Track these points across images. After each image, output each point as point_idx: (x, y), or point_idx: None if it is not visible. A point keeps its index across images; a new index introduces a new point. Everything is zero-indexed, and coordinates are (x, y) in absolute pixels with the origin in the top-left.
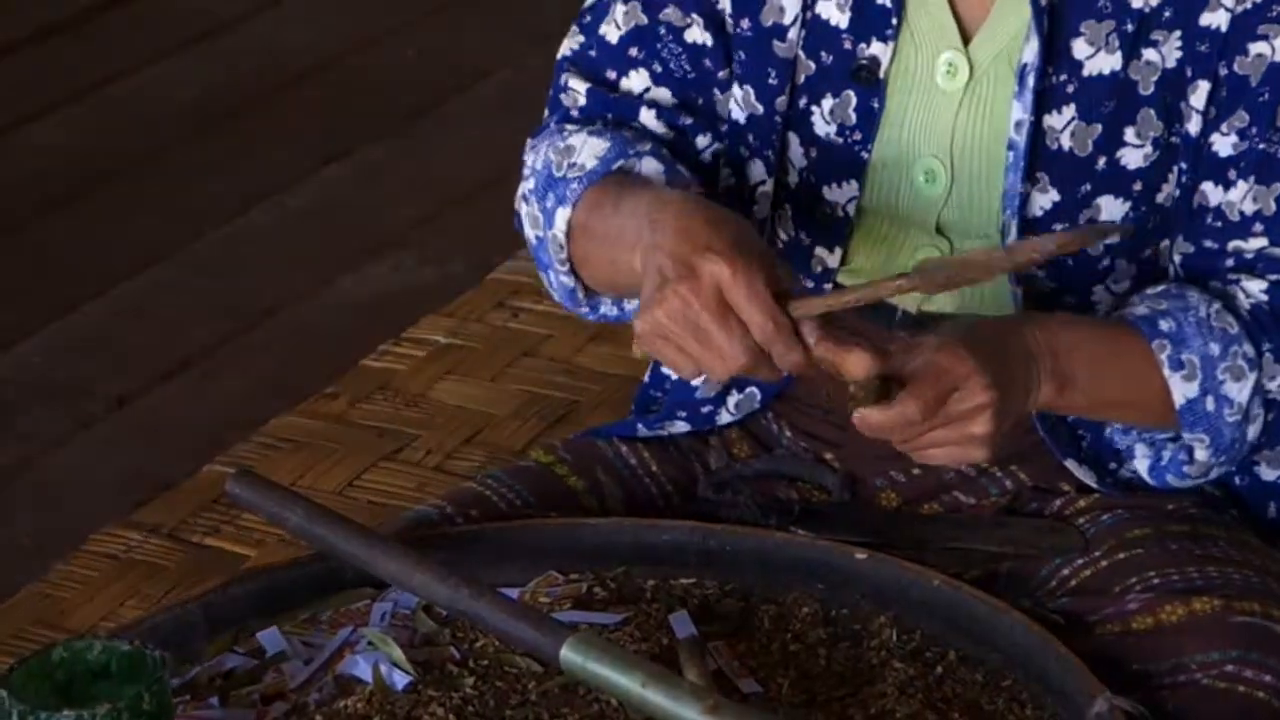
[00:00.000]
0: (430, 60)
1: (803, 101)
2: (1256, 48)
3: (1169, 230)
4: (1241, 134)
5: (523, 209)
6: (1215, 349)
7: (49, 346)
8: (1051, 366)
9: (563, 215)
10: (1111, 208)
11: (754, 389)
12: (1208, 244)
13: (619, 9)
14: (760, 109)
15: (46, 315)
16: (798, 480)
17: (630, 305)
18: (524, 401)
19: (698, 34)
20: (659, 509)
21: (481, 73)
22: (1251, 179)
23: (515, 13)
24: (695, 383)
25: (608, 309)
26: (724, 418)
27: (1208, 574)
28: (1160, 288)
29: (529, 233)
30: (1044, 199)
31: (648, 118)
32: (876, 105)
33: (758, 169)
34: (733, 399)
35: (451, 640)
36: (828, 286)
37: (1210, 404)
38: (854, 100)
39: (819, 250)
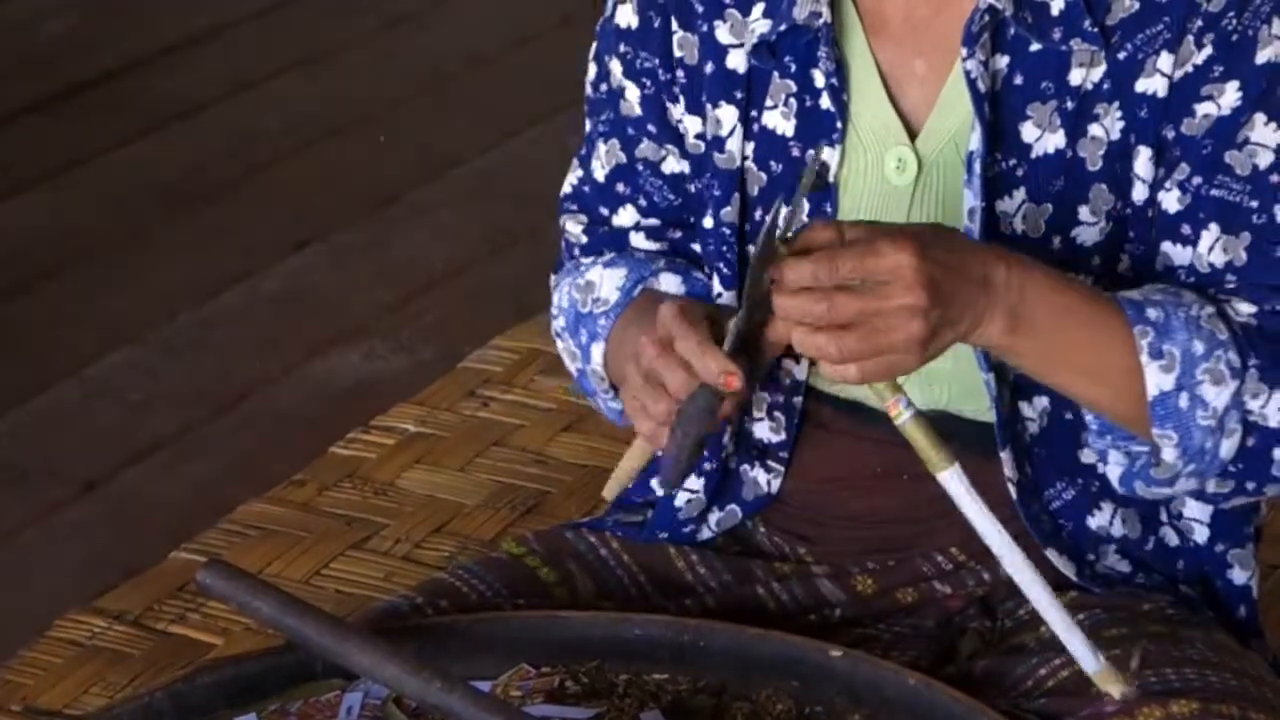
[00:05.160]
0: (401, 147)
1: (757, 213)
2: (1203, 108)
3: None
4: (1182, 186)
5: (558, 344)
6: (1200, 348)
7: (16, 428)
8: (1010, 303)
9: (598, 350)
10: None
11: (735, 507)
12: None
13: (602, 147)
14: (710, 221)
15: (15, 397)
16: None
17: None
18: (494, 491)
19: (674, 164)
20: (631, 599)
21: (452, 160)
22: (1215, 228)
23: (485, 101)
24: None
25: None
26: (705, 534)
27: (1185, 676)
28: (1160, 285)
29: (569, 365)
30: None
31: (637, 240)
32: (829, 209)
33: (714, 281)
34: (714, 516)
35: None
36: (798, 399)
37: (1184, 401)
38: (807, 206)
39: (785, 361)
